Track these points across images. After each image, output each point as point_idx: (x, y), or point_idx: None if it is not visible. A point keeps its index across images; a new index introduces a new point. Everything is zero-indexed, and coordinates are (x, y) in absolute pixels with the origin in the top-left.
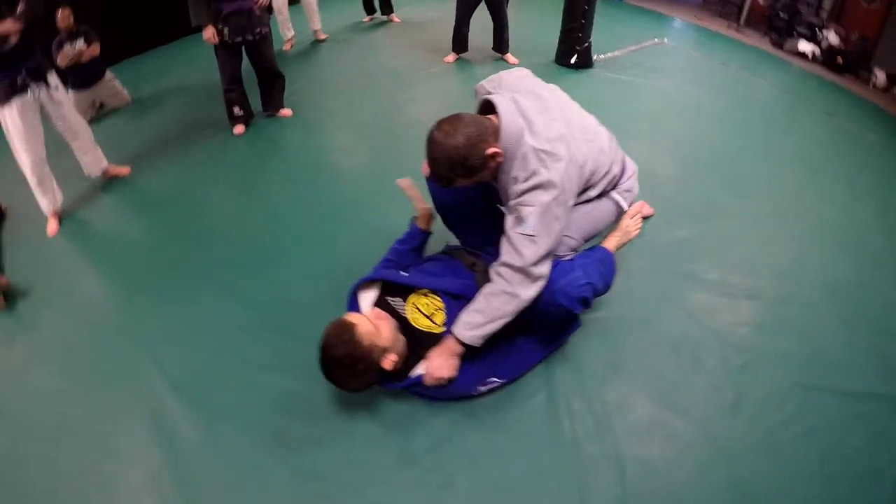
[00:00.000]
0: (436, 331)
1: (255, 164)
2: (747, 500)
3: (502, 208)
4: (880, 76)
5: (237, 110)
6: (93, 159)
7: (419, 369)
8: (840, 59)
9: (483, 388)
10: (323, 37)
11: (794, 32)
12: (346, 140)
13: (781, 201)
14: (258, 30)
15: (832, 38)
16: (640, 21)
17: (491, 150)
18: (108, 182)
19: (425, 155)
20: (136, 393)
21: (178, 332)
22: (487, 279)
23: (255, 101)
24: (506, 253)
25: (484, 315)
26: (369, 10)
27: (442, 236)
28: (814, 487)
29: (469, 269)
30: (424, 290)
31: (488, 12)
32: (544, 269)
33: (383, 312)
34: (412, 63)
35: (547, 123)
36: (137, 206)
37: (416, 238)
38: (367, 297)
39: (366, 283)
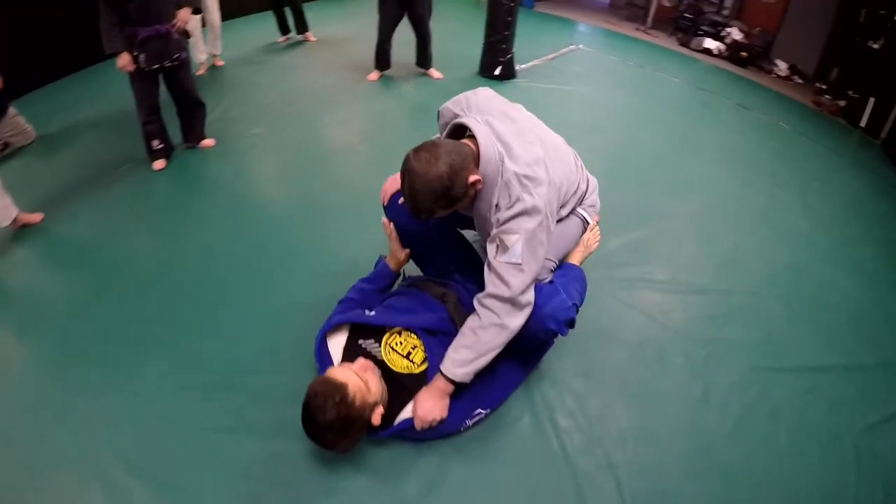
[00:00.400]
0: (415, 371)
1: (181, 202)
2: (732, 487)
3: (469, 235)
4: (782, 66)
5: (156, 144)
6: (1, 208)
7: (405, 413)
8: (744, 54)
9: (470, 423)
10: (220, 63)
11: (700, 31)
12: (274, 169)
13: (713, 195)
14: (176, 55)
15: (735, 34)
16: (553, 28)
17: (473, 178)
18: (20, 232)
19: (400, 187)
20: (89, 481)
21: (123, 405)
22: (460, 310)
23: (174, 131)
24: (492, 284)
25: (473, 350)
26: (284, 29)
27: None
28: (786, 465)
29: (440, 301)
30: (398, 329)
31: (410, 27)
32: (531, 295)
33: (368, 363)
34: (335, 83)
35: (524, 147)
36: (55, 258)
37: (386, 279)
38: (337, 343)
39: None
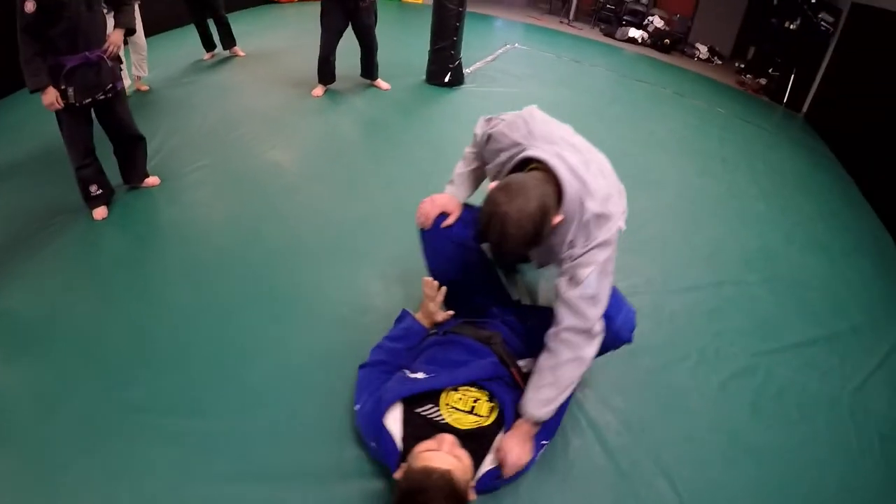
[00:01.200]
0: (485, 423)
1: (136, 256)
2: (762, 465)
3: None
4: (702, 49)
5: (95, 189)
6: None
7: (485, 467)
8: (667, 40)
9: (537, 456)
10: (145, 88)
11: (623, 21)
12: (232, 206)
13: (677, 188)
14: (110, 85)
15: (657, 21)
16: (482, 27)
17: (557, 220)
18: None
19: (487, 232)
20: None
21: None
22: (507, 349)
23: (112, 171)
24: (567, 317)
25: (556, 388)
26: (209, 45)
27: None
28: (799, 434)
29: (485, 344)
30: (468, 390)
31: (355, 37)
32: (602, 324)
33: (451, 437)
34: (278, 101)
35: (595, 181)
36: (2, 342)
37: (416, 337)
38: (393, 418)
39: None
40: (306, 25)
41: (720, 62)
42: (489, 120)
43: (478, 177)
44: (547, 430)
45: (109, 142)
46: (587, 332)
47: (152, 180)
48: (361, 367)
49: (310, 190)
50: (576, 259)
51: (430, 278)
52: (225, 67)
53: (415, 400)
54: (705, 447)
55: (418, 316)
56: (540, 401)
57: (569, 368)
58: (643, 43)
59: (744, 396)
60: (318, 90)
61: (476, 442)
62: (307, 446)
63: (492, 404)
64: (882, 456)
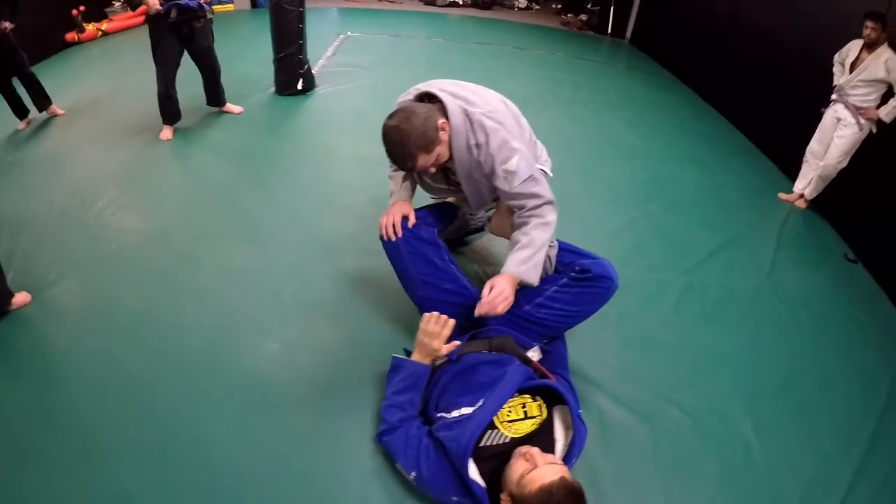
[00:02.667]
0: (542, 418)
1: (40, 404)
2: (743, 368)
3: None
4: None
5: None
6: None
7: (560, 446)
8: None
9: (585, 431)
10: None
11: None
12: (126, 300)
13: (557, 143)
14: None
15: None
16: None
17: (441, 122)
18: None
19: (385, 144)
20: None
21: None
22: (518, 349)
23: None
24: (524, 201)
25: (531, 248)
26: (21, 112)
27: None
28: (748, 330)
29: (499, 352)
30: (513, 398)
31: (194, 63)
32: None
33: (534, 448)
34: (128, 157)
35: (474, 97)
36: None
37: (424, 378)
38: (472, 466)
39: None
40: (122, 62)
41: (538, 7)
42: None
43: (411, 181)
44: (576, 402)
45: None
46: (546, 204)
47: (21, 298)
48: (383, 434)
49: (211, 252)
50: (496, 161)
51: (435, 313)
52: (48, 133)
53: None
54: (688, 369)
55: (416, 357)
56: (519, 260)
57: (539, 232)
58: (464, 4)
59: (694, 312)
60: (167, 132)
61: (543, 436)
62: None
63: (537, 402)
64: (810, 321)
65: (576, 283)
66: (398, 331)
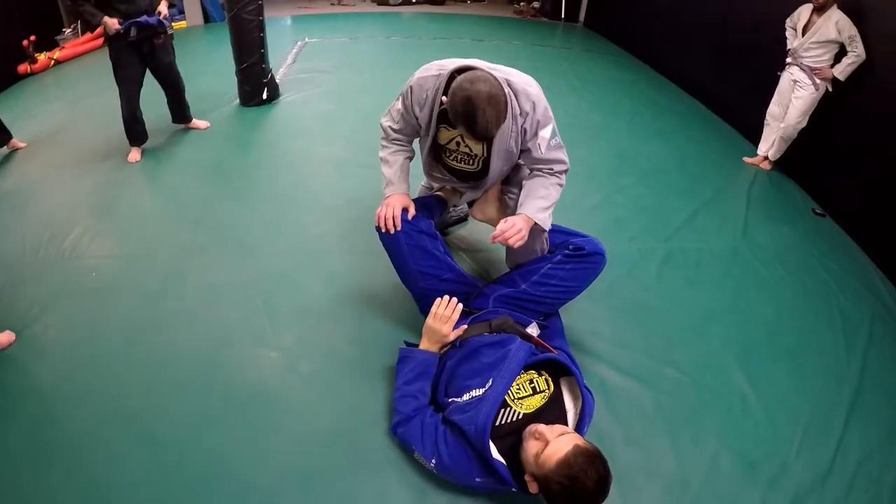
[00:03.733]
0: (550, 392)
1: (39, 436)
2: (730, 326)
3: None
4: None
5: None
6: None
7: (571, 415)
8: None
9: (592, 399)
10: None
11: None
12: (115, 329)
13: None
14: None
15: None
16: None
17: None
18: None
19: (465, 114)
20: None
21: None
22: (517, 328)
23: None
24: (552, 165)
25: (547, 200)
26: None
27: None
28: (729, 288)
29: (500, 332)
30: (519, 376)
31: (156, 80)
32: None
33: (547, 426)
34: (97, 183)
35: (504, 69)
36: None
37: (433, 365)
38: (492, 447)
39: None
40: (78, 89)
41: None
42: (387, 112)
43: (407, 170)
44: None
45: None
46: (567, 170)
47: (5, 338)
48: (398, 426)
49: (196, 269)
50: (539, 127)
51: (446, 297)
52: (12, 167)
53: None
54: (677, 329)
55: (424, 346)
56: (537, 208)
57: (555, 190)
58: (417, 1)
59: (677, 276)
60: (135, 154)
61: (554, 408)
62: None
63: (543, 376)
64: (788, 274)
65: (569, 259)
66: (397, 325)
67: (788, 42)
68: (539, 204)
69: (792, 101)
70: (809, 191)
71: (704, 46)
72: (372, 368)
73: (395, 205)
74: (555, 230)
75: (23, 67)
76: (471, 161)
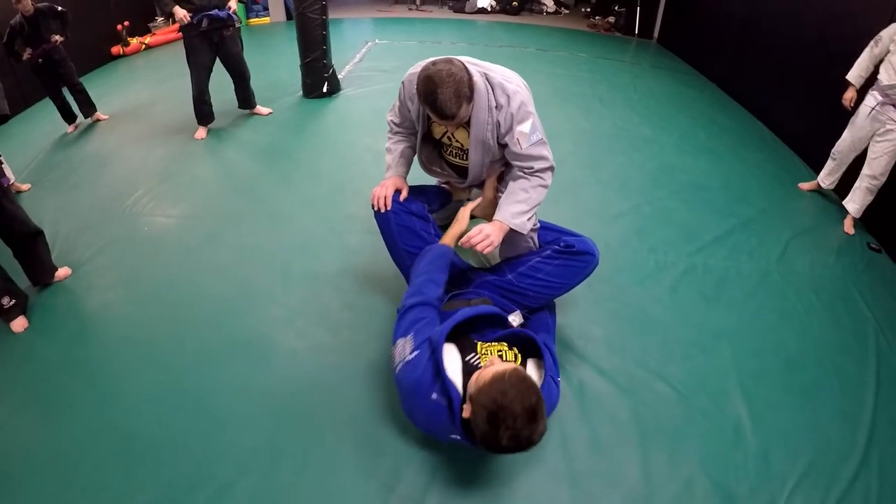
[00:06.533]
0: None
1: (74, 358)
2: (740, 348)
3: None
4: (548, 3)
5: (7, 301)
6: None
7: (534, 376)
8: (515, 3)
9: (558, 394)
10: (25, 188)
11: None
12: (157, 273)
13: (571, 135)
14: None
15: None
16: (337, 32)
17: (469, 80)
18: None
19: (425, 92)
20: None
21: None
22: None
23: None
24: (533, 162)
25: (526, 204)
26: (69, 117)
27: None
28: (750, 310)
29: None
30: (490, 344)
31: (225, 69)
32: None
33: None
34: (165, 154)
35: (491, 66)
36: None
37: (449, 257)
38: (451, 359)
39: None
40: (162, 72)
41: (567, 11)
42: (391, 108)
43: (408, 157)
44: (555, 367)
45: (7, 245)
46: (550, 168)
47: (63, 272)
48: (413, 306)
49: (233, 232)
50: (514, 121)
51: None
52: (93, 136)
53: (464, 350)
54: (680, 344)
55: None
56: (514, 212)
57: (537, 192)
58: (493, 11)
59: (693, 292)
60: (201, 132)
61: None
62: None
63: (513, 351)
64: (822, 306)
65: (558, 255)
66: (390, 298)
67: (882, 76)
68: (516, 208)
69: (879, 144)
70: (867, 224)
71: (773, 66)
72: (358, 332)
73: (388, 185)
74: (548, 228)
75: (116, 49)
76: (463, 155)
